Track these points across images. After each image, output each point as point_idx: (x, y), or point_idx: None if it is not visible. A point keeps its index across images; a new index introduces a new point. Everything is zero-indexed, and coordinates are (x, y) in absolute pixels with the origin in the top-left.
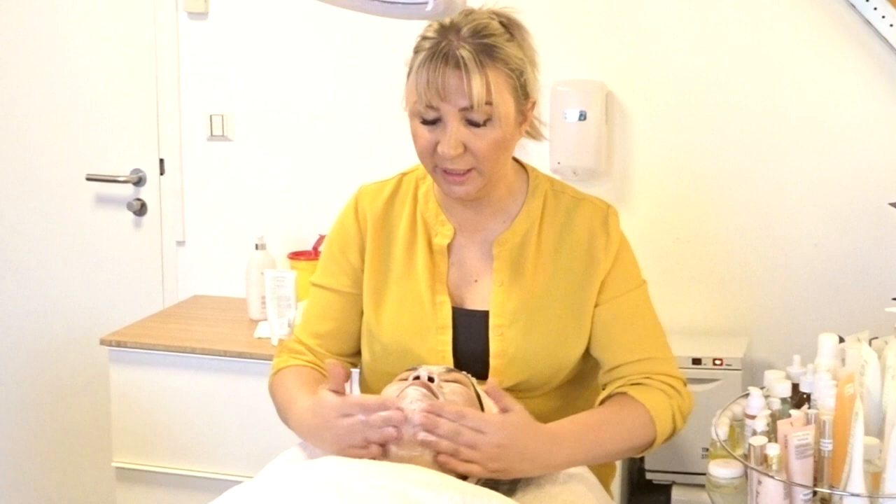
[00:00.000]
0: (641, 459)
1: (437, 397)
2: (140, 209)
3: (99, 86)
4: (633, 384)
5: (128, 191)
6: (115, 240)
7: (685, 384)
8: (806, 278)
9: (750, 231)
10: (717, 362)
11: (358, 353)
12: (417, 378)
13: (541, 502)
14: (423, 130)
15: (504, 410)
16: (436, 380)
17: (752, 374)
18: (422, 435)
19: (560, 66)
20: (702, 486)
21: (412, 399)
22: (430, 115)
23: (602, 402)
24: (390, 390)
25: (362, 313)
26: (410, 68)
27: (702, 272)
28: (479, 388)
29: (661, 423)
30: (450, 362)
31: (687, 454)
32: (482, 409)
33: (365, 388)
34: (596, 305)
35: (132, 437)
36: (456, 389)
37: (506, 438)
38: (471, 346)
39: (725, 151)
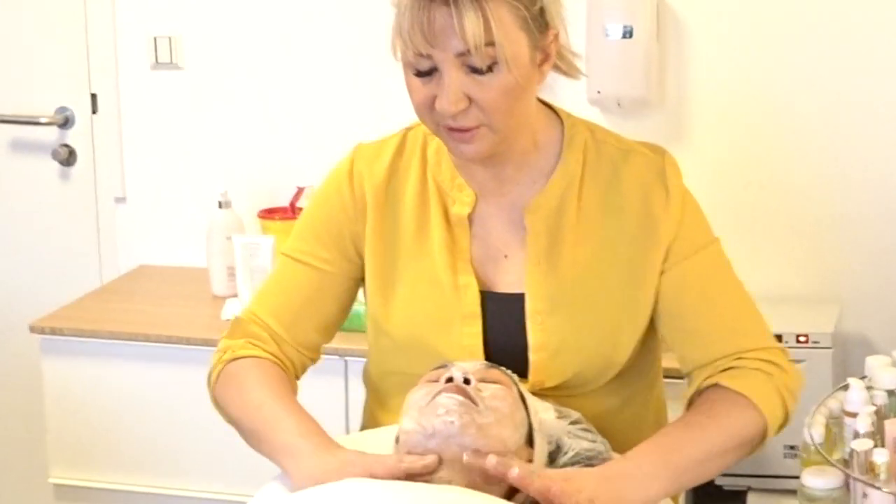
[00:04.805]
0: None
1: (475, 404)
2: (68, 158)
3: (12, 4)
4: (722, 371)
5: (52, 135)
6: (37, 197)
7: (787, 355)
8: None
9: (841, 173)
10: (802, 339)
11: (320, 346)
12: (450, 380)
13: None
14: (418, 83)
15: (545, 492)
16: (472, 382)
17: (845, 353)
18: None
19: None
20: (783, 492)
21: (447, 409)
22: (424, 65)
23: (690, 403)
24: (417, 396)
25: (340, 299)
26: (398, 7)
27: (780, 225)
28: (523, 388)
29: (769, 409)
30: (481, 359)
31: (765, 454)
32: (527, 413)
33: (372, 389)
34: (661, 273)
35: (72, 447)
36: (497, 393)
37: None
38: (505, 338)
39: (810, 74)
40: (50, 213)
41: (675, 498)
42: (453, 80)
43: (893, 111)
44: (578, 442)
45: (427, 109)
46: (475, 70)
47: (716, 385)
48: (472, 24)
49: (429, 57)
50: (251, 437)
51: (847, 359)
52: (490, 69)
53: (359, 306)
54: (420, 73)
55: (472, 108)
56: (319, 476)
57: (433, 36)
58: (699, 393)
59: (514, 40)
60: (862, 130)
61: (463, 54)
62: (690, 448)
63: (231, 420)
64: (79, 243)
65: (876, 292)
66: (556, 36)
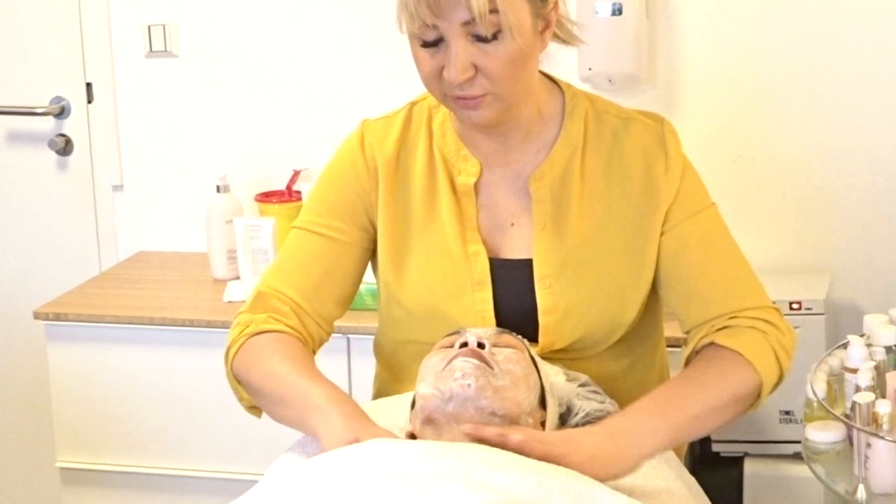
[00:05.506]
0: None
1: (490, 367)
2: (64, 147)
3: None
4: (718, 330)
5: (48, 125)
6: (35, 187)
7: (781, 315)
8: None
9: (828, 146)
10: (795, 306)
11: (335, 320)
12: (465, 345)
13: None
14: (425, 55)
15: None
16: (486, 346)
17: (837, 319)
18: None
19: None
20: (779, 457)
21: (463, 373)
22: (430, 36)
23: (687, 361)
24: (432, 362)
25: (355, 270)
26: None
27: (770, 197)
28: (534, 352)
29: (763, 365)
30: (492, 324)
31: (761, 420)
32: (539, 376)
33: (384, 360)
34: (661, 235)
35: (78, 431)
36: (511, 357)
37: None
38: (514, 302)
39: (798, 49)
40: (48, 202)
41: (678, 450)
42: (460, 49)
43: (880, 86)
44: (588, 403)
45: (435, 80)
46: (480, 39)
47: (712, 343)
48: None
49: (435, 27)
50: (277, 404)
51: (838, 326)
52: (495, 37)
53: (361, 286)
54: (426, 45)
55: (479, 76)
56: (350, 441)
57: (438, 6)
58: (696, 352)
59: (517, 8)
60: (849, 104)
61: (468, 23)
62: (687, 404)
63: (251, 390)
64: (77, 232)
65: (864, 262)
66: (556, 4)
